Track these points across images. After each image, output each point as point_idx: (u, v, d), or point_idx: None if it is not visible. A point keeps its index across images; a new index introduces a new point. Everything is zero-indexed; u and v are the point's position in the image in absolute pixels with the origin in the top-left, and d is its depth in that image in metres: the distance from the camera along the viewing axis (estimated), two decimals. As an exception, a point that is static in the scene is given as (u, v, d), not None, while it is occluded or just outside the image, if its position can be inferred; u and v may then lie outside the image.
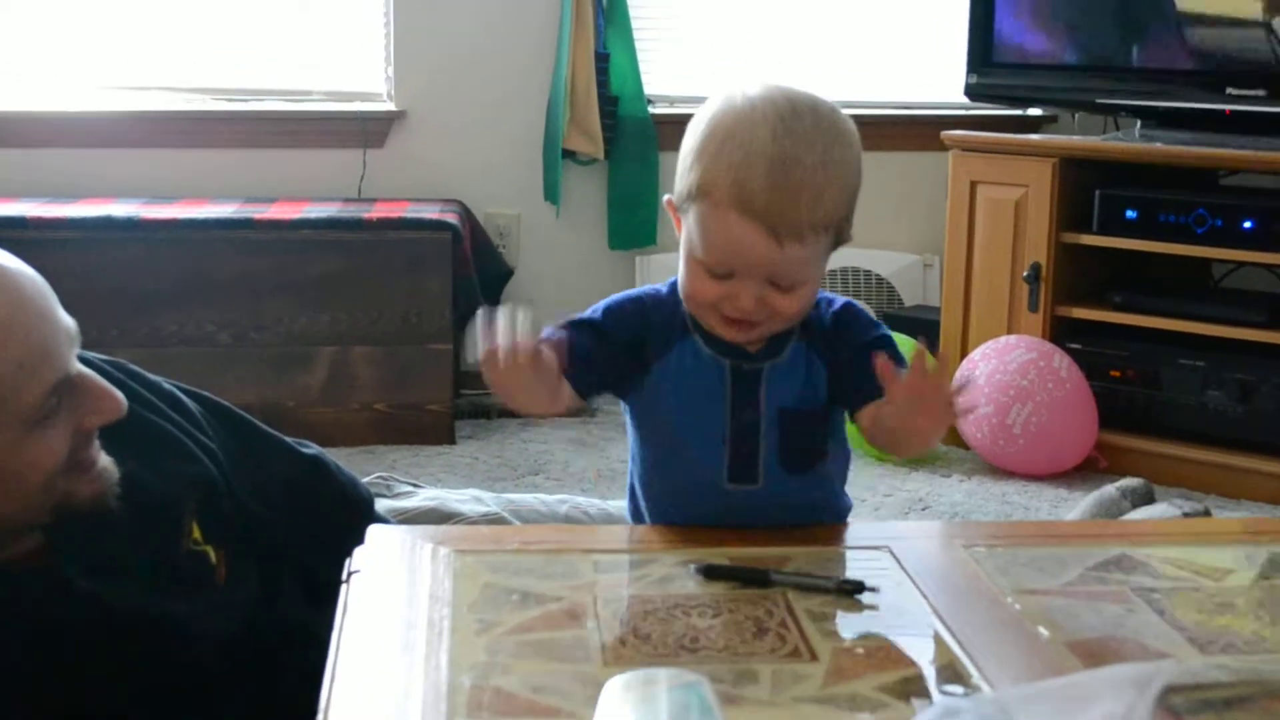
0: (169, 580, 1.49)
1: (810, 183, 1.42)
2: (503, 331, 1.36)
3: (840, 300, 1.59)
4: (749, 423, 1.53)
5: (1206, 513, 2.35)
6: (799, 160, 1.41)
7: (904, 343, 3.48)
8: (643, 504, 1.62)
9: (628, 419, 1.62)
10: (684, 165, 1.48)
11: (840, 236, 1.50)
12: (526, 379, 1.39)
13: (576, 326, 1.53)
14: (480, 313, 1.37)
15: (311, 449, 1.82)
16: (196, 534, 1.54)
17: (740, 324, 1.49)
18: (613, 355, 1.54)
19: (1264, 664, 1.25)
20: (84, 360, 1.51)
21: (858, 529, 1.62)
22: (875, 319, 1.60)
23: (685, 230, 1.49)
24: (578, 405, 1.55)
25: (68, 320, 1.43)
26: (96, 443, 1.45)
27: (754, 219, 1.41)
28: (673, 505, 1.58)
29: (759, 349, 1.54)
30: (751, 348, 1.53)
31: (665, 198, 1.55)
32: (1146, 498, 2.36)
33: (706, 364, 1.53)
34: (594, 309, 1.57)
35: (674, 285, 1.56)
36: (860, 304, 1.61)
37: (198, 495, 1.57)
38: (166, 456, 1.57)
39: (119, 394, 1.44)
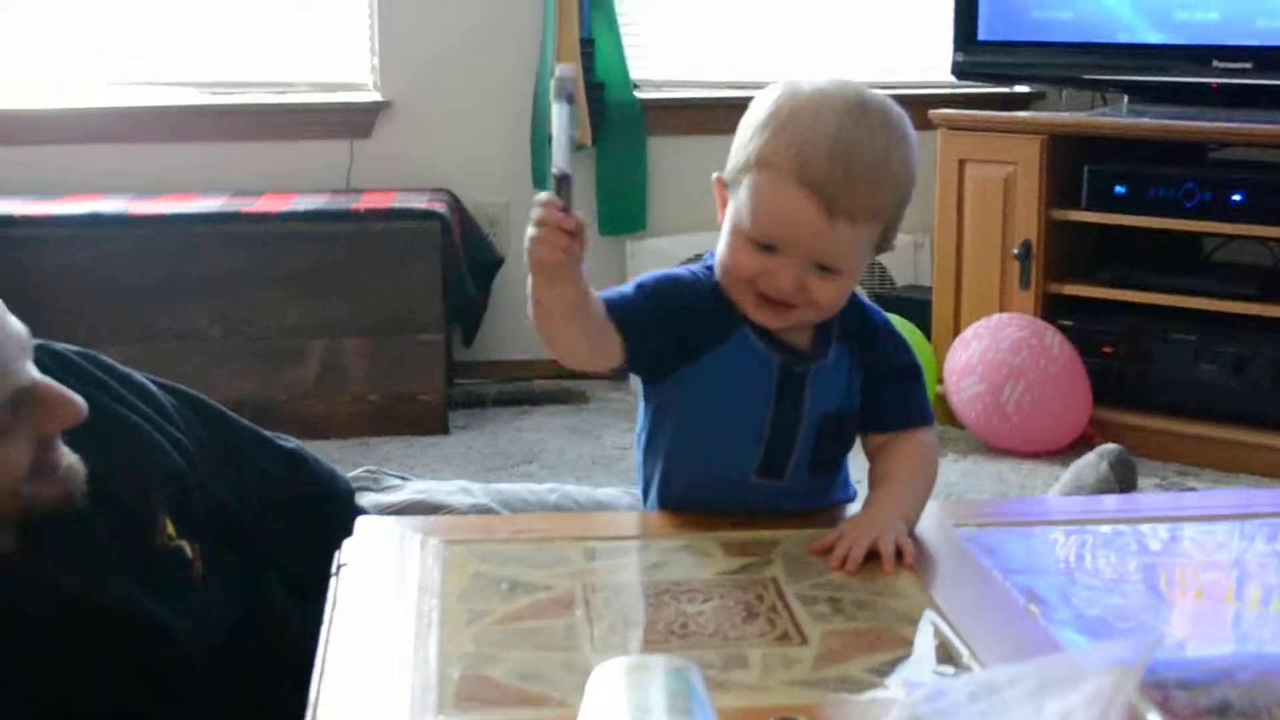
0: (147, 578, 1.48)
1: (870, 171, 1.44)
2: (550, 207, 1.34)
3: (880, 312, 1.61)
4: (789, 423, 1.53)
5: (1127, 457, 2.37)
6: (863, 147, 1.44)
7: (899, 323, 3.51)
8: (655, 488, 1.59)
9: (649, 402, 1.58)
10: (742, 139, 1.49)
11: (886, 238, 1.51)
12: (569, 255, 1.36)
13: (629, 295, 1.50)
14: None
15: (290, 442, 1.80)
16: (170, 529, 1.52)
17: (774, 305, 1.48)
18: (663, 332, 1.51)
19: (1251, 641, 1.25)
20: (52, 351, 1.50)
21: (850, 511, 1.61)
22: (907, 343, 1.61)
23: (733, 204, 1.48)
24: (618, 363, 1.51)
25: (19, 329, 1.39)
26: (60, 444, 1.42)
27: (811, 191, 1.42)
28: (692, 492, 1.56)
29: (808, 349, 1.53)
30: (799, 345, 1.52)
31: (714, 175, 1.54)
32: (1124, 460, 2.38)
33: (758, 359, 1.52)
34: (643, 281, 1.53)
35: (712, 268, 1.54)
36: (894, 325, 1.62)
37: (169, 489, 1.55)
38: (134, 450, 1.55)
39: (77, 398, 1.41)
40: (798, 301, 1.47)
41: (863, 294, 1.61)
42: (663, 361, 1.53)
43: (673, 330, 1.51)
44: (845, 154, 1.43)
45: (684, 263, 1.65)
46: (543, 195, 1.35)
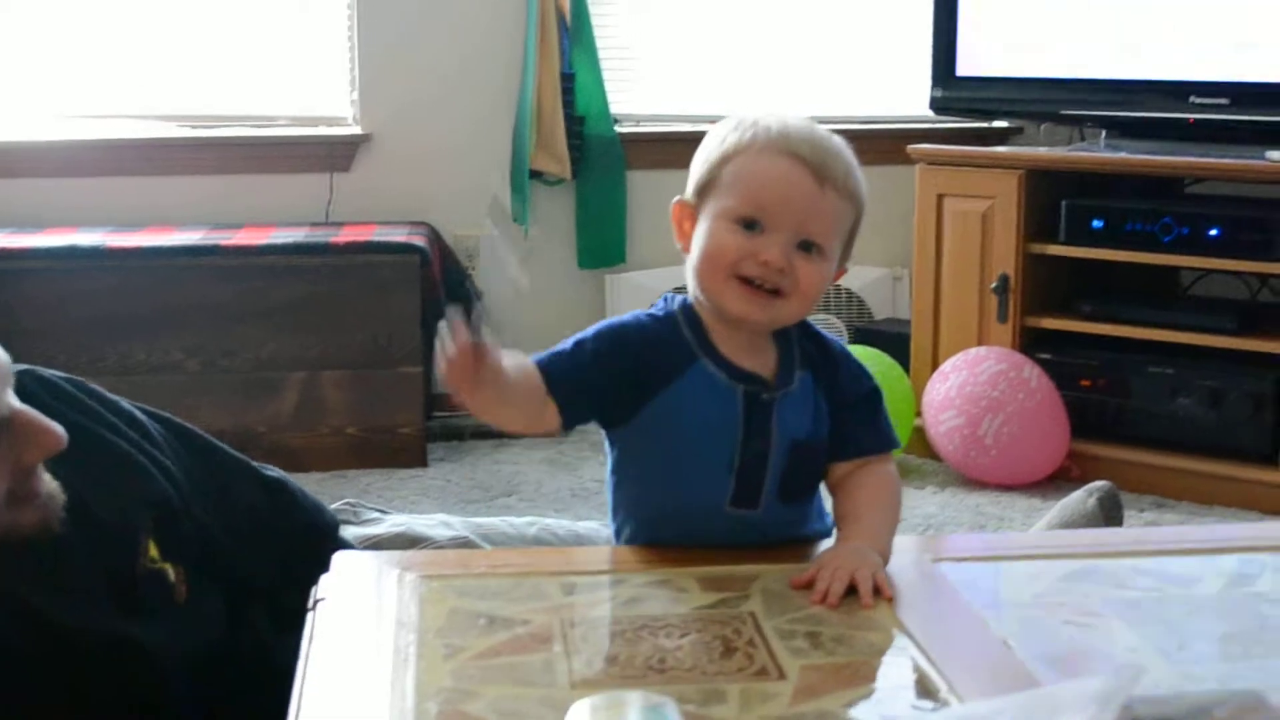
0: (128, 600, 1.48)
1: (842, 157, 1.51)
2: (458, 332, 1.35)
3: (837, 340, 1.61)
4: (758, 452, 1.52)
5: (1115, 494, 2.38)
6: (827, 140, 1.51)
7: (877, 356, 3.51)
8: (629, 525, 1.58)
9: (613, 441, 1.57)
10: (709, 148, 1.53)
11: (850, 241, 1.55)
12: (477, 377, 1.37)
13: (565, 355, 1.50)
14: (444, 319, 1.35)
15: (275, 473, 1.80)
16: (154, 552, 1.52)
17: (758, 294, 1.48)
18: (606, 383, 1.50)
19: (1229, 676, 1.25)
20: (39, 376, 1.50)
21: (828, 544, 1.61)
22: (866, 369, 1.61)
23: (712, 201, 1.50)
24: (557, 431, 1.52)
25: (1, 358, 1.39)
26: (41, 472, 1.42)
27: (798, 160, 1.48)
28: (666, 526, 1.55)
29: (773, 378, 1.53)
30: (763, 374, 1.52)
31: (674, 200, 1.55)
32: (1112, 497, 2.38)
33: (720, 390, 1.51)
34: (583, 336, 1.52)
35: (664, 309, 1.54)
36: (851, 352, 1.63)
37: (154, 513, 1.55)
38: (121, 474, 1.55)
39: (57, 427, 1.40)
40: (783, 285, 1.48)
41: (831, 327, 1.62)
42: (615, 408, 1.53)
43: (619, 376, 1.50)
44: (821, 140, 1.50)
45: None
46: (453, 318, 1.35)
